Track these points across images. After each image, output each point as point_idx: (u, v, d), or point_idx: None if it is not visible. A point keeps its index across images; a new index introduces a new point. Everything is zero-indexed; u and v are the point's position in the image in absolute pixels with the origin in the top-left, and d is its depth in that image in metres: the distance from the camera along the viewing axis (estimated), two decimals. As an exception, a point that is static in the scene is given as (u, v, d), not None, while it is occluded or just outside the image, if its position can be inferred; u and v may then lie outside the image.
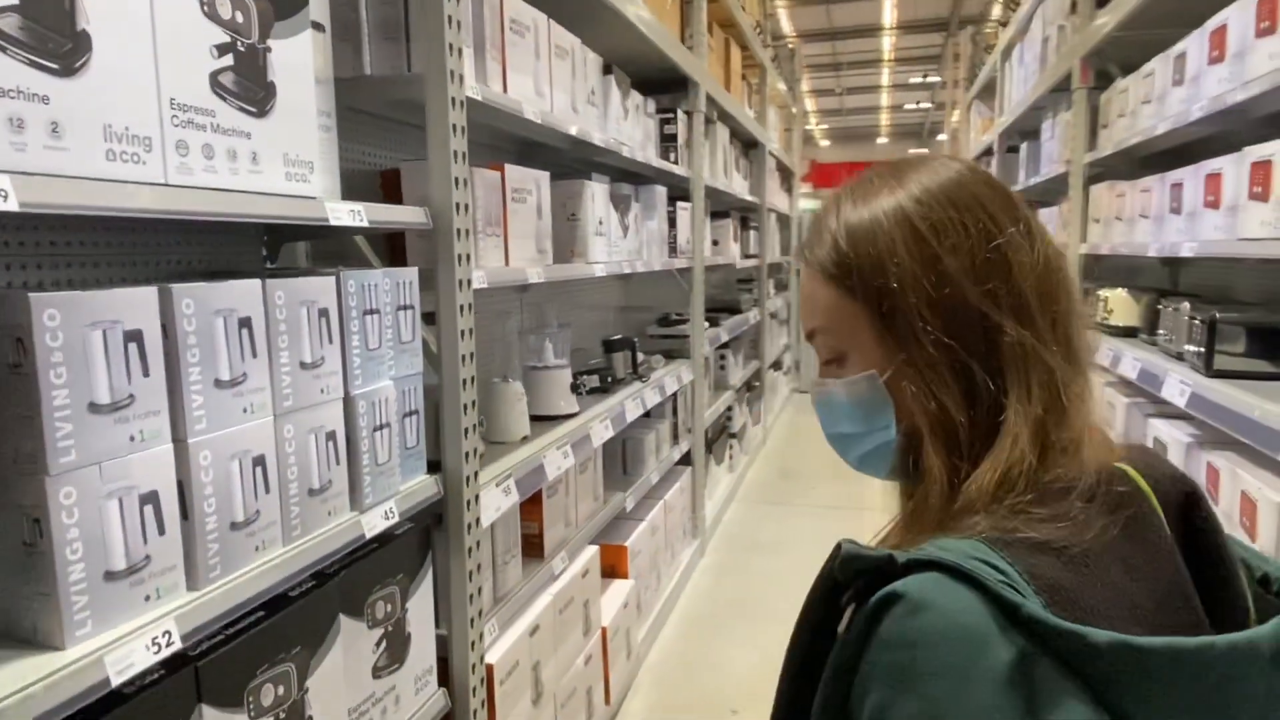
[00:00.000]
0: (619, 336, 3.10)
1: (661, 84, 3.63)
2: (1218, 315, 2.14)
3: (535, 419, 2.37)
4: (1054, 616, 0.52)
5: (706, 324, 4.23)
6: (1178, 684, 0.51)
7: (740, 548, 4.20)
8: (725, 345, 4.77)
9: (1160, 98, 2.47)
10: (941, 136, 24.46)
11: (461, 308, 1.59)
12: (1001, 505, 0.60)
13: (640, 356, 3.46)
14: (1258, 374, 2.12)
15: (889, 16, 17.18)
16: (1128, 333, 3.04)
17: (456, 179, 1.56)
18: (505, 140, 2.70)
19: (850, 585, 0.58)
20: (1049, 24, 4.10)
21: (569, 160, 2.87)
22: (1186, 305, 2.41)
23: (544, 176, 2.17)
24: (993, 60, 6.38)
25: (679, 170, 3.51)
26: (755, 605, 3.51)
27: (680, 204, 3.56)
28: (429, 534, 1.61)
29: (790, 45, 8.53)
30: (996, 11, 13.91)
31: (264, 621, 1.17)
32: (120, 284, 1.03)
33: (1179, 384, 2.13)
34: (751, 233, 5.86)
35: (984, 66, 6.97)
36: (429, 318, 1.63)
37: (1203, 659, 0.51)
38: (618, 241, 2.76)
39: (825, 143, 27.95)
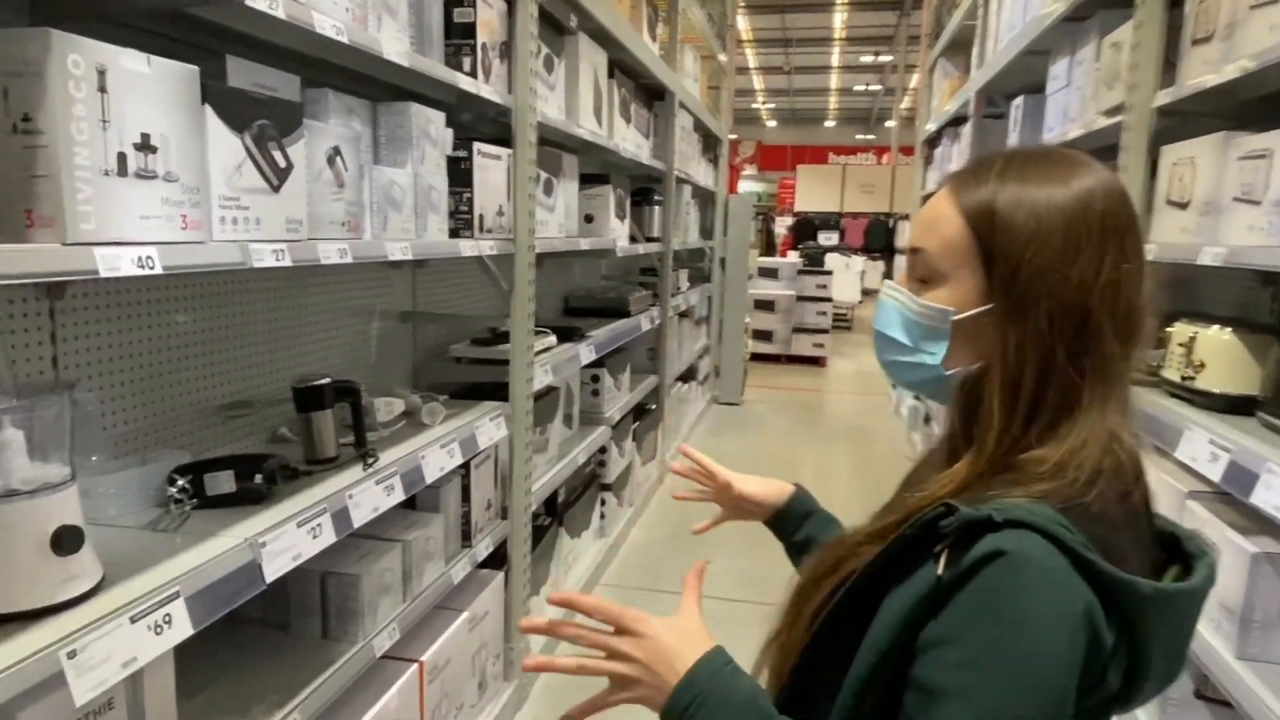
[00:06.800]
0: (323, 380, 1.66)
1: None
2: None
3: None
4: (1114, 569, 0.68)
5: (554, 339, 2.81)
6: (1172, 615, 0.73)
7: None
8: (599, 364, 3.36)
9: None
10: (890, 123, 23.34)
11: None
12: (1060, 480, 0.72)
13: (392, 409, 2.03)
14: None
15: (841, -9, 15.88)
16: (1236, 406, 1.72)
17: None
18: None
19: (947, 535, 0.71)
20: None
21: (187, 31, 1.41)
22: None
23: None
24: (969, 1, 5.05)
25: (482, 92, 2.07)
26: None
27: (483, 148, 2.12)
28: None
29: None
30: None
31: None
32: None
33: None
34: (654, 209, 4.43)
35: (954, 14, 5.63)
36: None
37: (1183, 596, 0.73)
38: (246, 196, 1.30)
39: (772, 123, 26.67)
